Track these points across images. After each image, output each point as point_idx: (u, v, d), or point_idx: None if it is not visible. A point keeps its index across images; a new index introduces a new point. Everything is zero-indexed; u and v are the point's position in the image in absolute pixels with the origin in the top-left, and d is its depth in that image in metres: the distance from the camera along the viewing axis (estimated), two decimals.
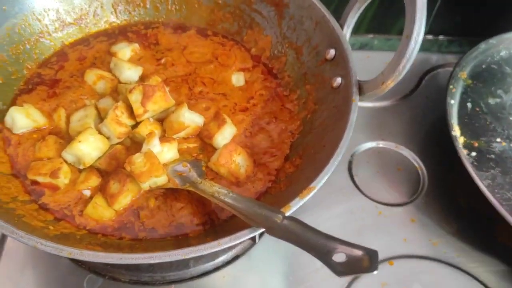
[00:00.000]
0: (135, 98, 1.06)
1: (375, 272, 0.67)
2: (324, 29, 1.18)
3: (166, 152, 1.05)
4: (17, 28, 1.23)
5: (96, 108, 1.13)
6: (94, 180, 1.04)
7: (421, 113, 1.56)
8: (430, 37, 1.78)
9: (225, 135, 1.12)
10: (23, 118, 1.09)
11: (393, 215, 1.29)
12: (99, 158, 1.05)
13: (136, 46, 1.31)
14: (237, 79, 1.28)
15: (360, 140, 1.45)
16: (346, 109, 1.02)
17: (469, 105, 1.43)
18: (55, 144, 1.07)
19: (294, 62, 1.28)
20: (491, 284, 1.19)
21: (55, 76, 1.24)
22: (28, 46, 1.25)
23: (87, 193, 1.03)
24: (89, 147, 1.03)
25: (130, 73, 1.21)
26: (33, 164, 1.03)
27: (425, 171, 1.39)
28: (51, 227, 0.94)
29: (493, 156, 1.32)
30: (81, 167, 1.04)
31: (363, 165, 1.40)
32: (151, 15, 1.42)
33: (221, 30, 1.40)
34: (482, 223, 1.28)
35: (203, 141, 1.13)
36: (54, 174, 1.01)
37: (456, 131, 1.33)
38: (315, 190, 0.88)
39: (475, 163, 1.29)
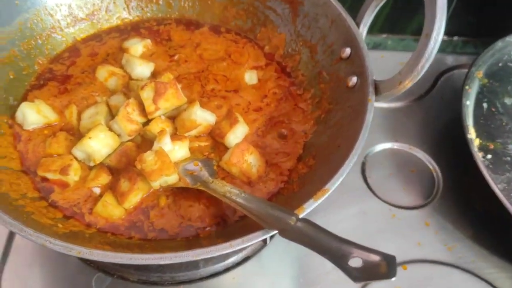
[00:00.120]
0: (146, 95, 1.05)
1: (393, 279, 0.65)
2: (340, 27, 1.16)
3: (177, 151, 1.03)
4: (29, 23, 1.22)
5: (107, 105, 1.12)
6: (104, 178, 1.02)
7: (436, 114, 1.54)
8: (445, 38, 1.73)
9: (237, 134, 1.10)
10: (34, 114, 1.08)
11: (407, 218, 1.27)
12: (109, 155, 1.04)
13: (148, 42, 1.30)
14: (250, 77, 1.26)
15: (373, 141, 1.43)
16: (362, 109, 1.00)
17: (485, 105, 1.40)
18: (65, 140, 1.06)
19: (308, 60, 1.25)
20: None
21: (66, 72, 1.23)
22: (39, 41, 1.24)
23: (97, 191, 1.02)
24: (100, 144, 1.01)
25: (142, 69, 1.20)
26: (43, 160, 1.02)
27: (439, 174, 1.37)
28: (60, 225, 0.93)
29: (509, 158, 1.30)
30: (91, 164, 1.03)
31: (376, 166, 1.38)
32: (163, 12, 1.40)
33: (234, 27, 1.38)
34: (498, 228, 1.25)
35: (215, 139, 1.12)
36: (64, 171, 1.00)
37: (471, 133, 1.31)
38: (329, 192, 0.86)
39: (491, 166, 1.27)
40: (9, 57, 1.16)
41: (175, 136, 1.06)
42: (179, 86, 1.09)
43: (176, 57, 1.29)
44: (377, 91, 1.02)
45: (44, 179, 1.02)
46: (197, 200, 1.02)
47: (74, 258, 1.12)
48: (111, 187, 1.01)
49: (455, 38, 1.76)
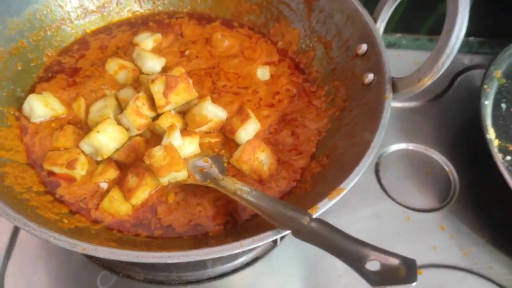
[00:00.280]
0: (157, 88, 1.02)
1: (413, 284, 0.61)
2: (356, 23, 1.12)
3: (187, 146, 1.01)
4: (39, 14, 1.20)
5: (116, 98, 1.10)
6: (112, 173, 1.00)
7: (452, 114, 1.50)
8: None
9: (248, 130, 1.07)
10: (42, 107, 1.06)
11: (422, 221, 1.24)
12: (118, 149, 1.02)
13: (159, 36, 1.28)
14: (263, 73, 1.23)
15: (387, 142, 1.39)
16: (379, 107, 0.97)
17: (503, 105, 1.36)
18: (73, 134, 1.04)
19: (322, 57, 1.22)
20: None
21: (75, 65, 1.21)
22: (49, 33, 1.22)
23: (104, 186, 0.99)
24: (108, 138, 0.99)
25: (153, 63, 1.17)
26: (50, 154, 1.00)
27: (456, 176, 1.33)
28: (65, 220, 0.90)
29: None
30: (99, 158, 1.01)
31: (390, 167, 1.35)
32: (175, 5, 1.38)
33: (247, 22, 1.35)
34: None
35: (226, 136, 1.09)
36: (70, 165, 0.97)
37: (490, 134, 1.26)
38: (344, 192, 0.83)
39: (510, 168, 1.22)
40: (18, 48, 1.14)
41: (185, 131, 1.04)
42: (190, 80, 1.07)
43: (187, 53, 1.26)
44: (394, 89, 0.99)
45: (50, 173, 1.00)
46: (206, 197, 0.99)
47: (79, 255, 1.09)
48: (119, 183, 0.98)
49: (471, 38, 1.74)
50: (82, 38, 1.27)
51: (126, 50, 1.25)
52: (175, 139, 0.97)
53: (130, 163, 1.00)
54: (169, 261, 0.74)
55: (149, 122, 1.04)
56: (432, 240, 1.20)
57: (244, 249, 0.76)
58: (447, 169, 1.35)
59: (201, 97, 1.08)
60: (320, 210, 0.81)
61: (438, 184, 1.32)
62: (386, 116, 0.94)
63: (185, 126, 1.07)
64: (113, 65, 1.17)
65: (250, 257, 1.14)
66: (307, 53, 1.26)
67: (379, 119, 0.94)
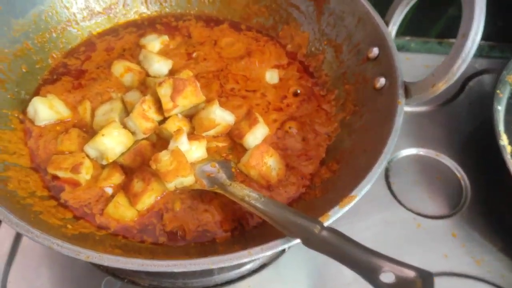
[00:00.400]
0: (164, 91, 1.00)
1: None
2: (368, 26, 1.10)
3: (194, 151, 0.99)
4: (44, 15, 1.18)
5: (122, 101, 1.08)
6: (117, 177, 0.98)
7: (463, 120, 1.47)
8: None
9: (256, 135, 1.05)
10: (46, 110, 1.05)
11: (432, 228, 1.21)
12: (123, 153, 1.00)
13: (165, 38, 1.26)
14: (271, 76, 1.21)
15: (397, 146, 1.36)
16: (391, 111, 0.94)
17: None
18: (78, 137, 1.02)
19: (332, 60, 1.20)
20: None
21: (81, 67, 1.19)
22: (54, 35, 1.20)
23: (109, 190, 0.98)
24: (113, 142, 0.97)
25: (160, 66, 1.16)
26: (54, 157, 0.99)
27: (467, 182, 1.30)
28: (69, 226, 0.89)
29: None
30: (104, 162, 0.99)
31: (401, 173, 1.32)
32: (182, 7, 1.36)
33: (255, 25, 1.33)
34: None
35: (233, 140, 1.07)
36: (75, 169, 0.95)
37: (503, 139, 1.24)
38: (356, 199, 0.81)
39: None
40: (22, 50, 1.12)
41: (192, 135, 1.02)
42: (198, 84, 1.05)
43: (194, 55, 1.25)
44: (407, 94, 0.97)
45: (55, 177, 0.98)
46: (213, 203, 0.97)
47: (83, 261, 1.07)
48: (124, 188, 0.97)
49: (482, 42, 1.71)
50: (88, 40, 1.26)
51: (133, 52, 1.23)
52: (182, 143, 0.95)
53: (136, 168, 0.98)
54: (176, 269, 0.72)
55: (155, 125, 1.02)
56: (443, 248, 1.18)
57: (253, 258, 0.74)
58: (458, 175, 1.33)
59: (208, 101, 1.07)
60: (332, 218, 0.78)
61: (449, 190, 1.30)
62: (399, 121, 0.92)
63: (192, 130, 1.05)
64: (119, 67, 1.15)
65: (257, 264, 1.12)
66: (316, 56, 1.24)
67: (391, 125, 0.91)
